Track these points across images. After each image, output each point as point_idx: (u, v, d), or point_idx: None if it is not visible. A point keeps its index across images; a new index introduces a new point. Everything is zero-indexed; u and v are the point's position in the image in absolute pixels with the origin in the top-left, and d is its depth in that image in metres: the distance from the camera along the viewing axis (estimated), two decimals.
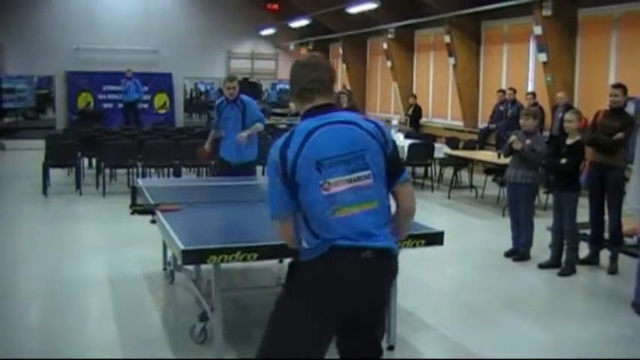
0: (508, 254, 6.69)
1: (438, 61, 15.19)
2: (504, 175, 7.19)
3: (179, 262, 4.47)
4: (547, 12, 10.61)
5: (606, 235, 6.35)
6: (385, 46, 16.18)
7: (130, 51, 18.83)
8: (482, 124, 13.34)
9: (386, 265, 2.68)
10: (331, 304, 2.60)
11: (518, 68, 12.73)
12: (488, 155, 10.12)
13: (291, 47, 21.00)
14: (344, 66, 18.84)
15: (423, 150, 10.93)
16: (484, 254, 6.90)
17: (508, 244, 6.75)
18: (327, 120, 2.67)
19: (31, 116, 18.75)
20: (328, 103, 2.74)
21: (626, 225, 6.08)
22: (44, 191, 9.81)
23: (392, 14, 15.16)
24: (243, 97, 7.01)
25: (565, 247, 6.20)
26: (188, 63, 19.78)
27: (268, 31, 20.40)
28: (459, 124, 14.25)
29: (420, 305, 5.07)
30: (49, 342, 4.39)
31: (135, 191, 5.26)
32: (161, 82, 19.73)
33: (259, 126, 7.06)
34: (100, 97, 19.19)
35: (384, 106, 17.95)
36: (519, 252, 6.61)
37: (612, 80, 9.45)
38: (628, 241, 6.14)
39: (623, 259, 6.17)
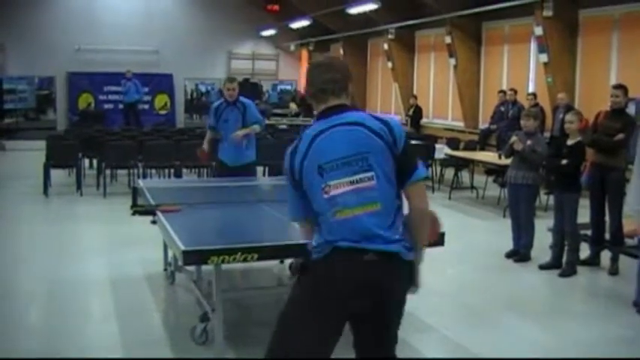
0: (509, 255, 6.68)
1: (439, 62, 15.18)
2: (505, 176, 7.19)
3: (180, 263, 4.47)
4: (548, 12, 10.62)
5: (607, 236, 6.34)
6: (386, 46, 16.18)
7: (130, 52, 18.84)
8: (482, 125, 13.33)
9: (392, 269, 2.63)
10: (330, 304, 2.61)
11: (518, 69, 12.73)
12: (489, 156, 10.12)
13: (292, 48, 21.01)
14: None
15: (423, 151, 10.93)
16: (485, 255, 6.89)
17: (509, 245, 6.75)
18: (334, 122, 2.67)
19: (31, 117, 18.74)
20: (341, 104, 2.73)
21: (627, 226, 6.08)
22: (45, 192, 9.82)
23: (392, 15, 15.16)
24: (243, 98, 7.01)
25: (566, 248, 6.19)
26: (189, 64, 19.78)
27: (269, 32, 20.41)
28: (460, 124, 14.25)
29: (421, 306, 5.06)
30: (49, 342, 4.39)
31: (136, 192, 5.27)
32: (162, 82, 19.74)
33: (256, 127, 7.06)
34: (101, 97, 19.19)
35: (385, 106, 17.94)
36: (520, 253, 6.60)
37: (613, 81, 9.44)
38: (629, 242, 6.13)
39: (623, 259, 6.17)
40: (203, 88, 20.88)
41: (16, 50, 17.95)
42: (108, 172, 10.48)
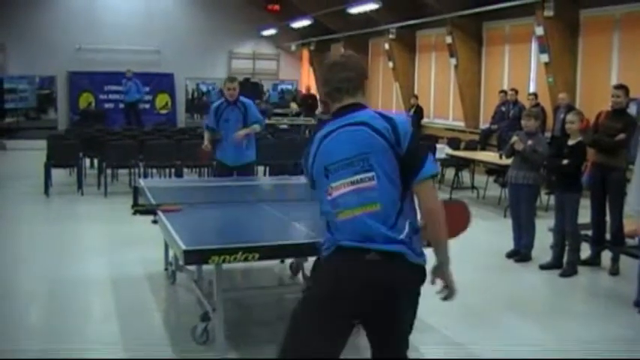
0: (509, 255, 6.68)
1: (440, 62, 15.18)
2: (506, 176, 7.18)
3: (181, 263, 4.47)
4: (549, 12, 10.61)
5: (608, 236, 6.35)
6: (387, 46, 16.18)
7: (131, 51, 18.85)
8: (483, 125, 13.33)
9: (395, 270, 2.60)
10: (336, 304, 2.61)
11: (519, 69, 12.72)
12: (490, 156, 10.12)
13: (293, 48, 21.01)
14: None
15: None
16: (485, 255, 6.88)
17: (509, 245, 6.74)
18: (342, 123, 2.68)
19: (32, 116, 18.76)
20: (355, 103, 2.74)
21: (628, 226, 6.07)
22: (46, 191, 9.82)
23: (393, 14, 15.16)
24: (243, 98, 7.00)
25: (566, 248, 6.19)
26: (190, 63, 19.80)
27: (269, 32, 20.41)
28: (461, 124, 14.25)
29: (421, 306, 5.03)
30: (49, 342, 4.38)
31: (136, 191, 5.27)
32: (163, 82, 19.75)
33: (256, 127, 7.06)
34: (102, 97, 19.21)
35: (386, 106, 17.91)
36: (521, 253, 6.60)
37: (614, 81, 9.43)
38: (629, 242, 6.13)
39: (624, 260, 6.17)
40: (204, 88, 20.89)
41: (17, 50, 17.97)
42: (109, 171, 10.48)
